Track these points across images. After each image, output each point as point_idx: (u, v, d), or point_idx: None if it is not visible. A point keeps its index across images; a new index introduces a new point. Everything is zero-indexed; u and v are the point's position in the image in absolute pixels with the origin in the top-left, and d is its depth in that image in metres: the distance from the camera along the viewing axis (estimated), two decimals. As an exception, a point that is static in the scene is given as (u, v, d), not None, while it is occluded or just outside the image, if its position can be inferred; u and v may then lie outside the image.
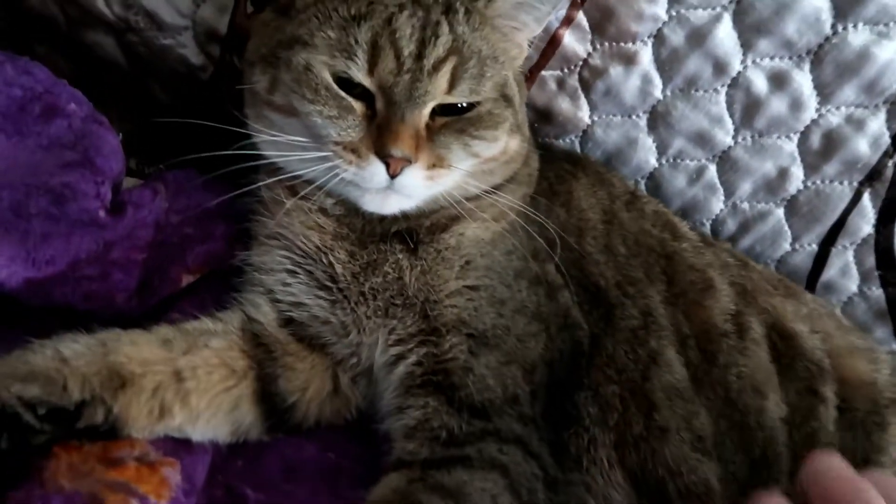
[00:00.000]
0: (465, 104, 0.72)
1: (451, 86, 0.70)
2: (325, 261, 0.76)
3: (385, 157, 0.68)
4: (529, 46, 0.81)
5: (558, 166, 0.90)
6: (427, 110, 0.70)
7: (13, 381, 0.59)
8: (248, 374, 0.73)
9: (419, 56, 0.68)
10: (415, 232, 0.75)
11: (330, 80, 0.69)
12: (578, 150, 0.99)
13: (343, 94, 0.69)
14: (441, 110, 0.71)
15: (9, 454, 0.58)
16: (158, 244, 0.77)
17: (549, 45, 0.92)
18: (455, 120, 0.71)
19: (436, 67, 0.69)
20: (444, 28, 0.70)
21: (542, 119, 0.98)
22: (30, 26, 1.02)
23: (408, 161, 0.68)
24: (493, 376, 0.71)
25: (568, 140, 0.98)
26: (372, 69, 0.68)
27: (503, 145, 0.76)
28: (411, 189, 0.71)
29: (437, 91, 0.69)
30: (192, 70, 0.99)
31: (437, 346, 0.72)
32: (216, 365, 0.71)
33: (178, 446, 0.68)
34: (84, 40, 1.00)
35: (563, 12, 0.89)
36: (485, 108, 0.73)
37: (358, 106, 0.69)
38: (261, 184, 0.78)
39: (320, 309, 0.76)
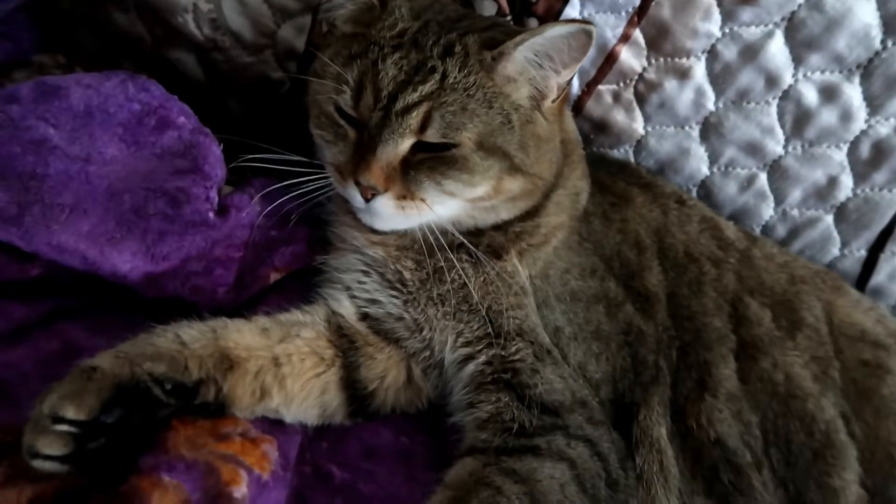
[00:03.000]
0: (444, 143, 0.73)
1: (423, 127, 0.72)
2: (392, 267, 0.81)
3: (357, 184, 0.74)
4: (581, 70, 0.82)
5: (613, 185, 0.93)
6: (403, 146, 0.73)
7: (144, 359, 0.67)
8: (335, 361, 0.80)
9: (394, 97, 0.72)
10: (475, 248, 0.78)
11: (332, 109, 0.76)
12: (632, 159, 1.03)
13: (341, 121, 0.76)
14: (423, 147, 0.74)
15: (138, 424, 0.65)
16: (251, 245, 0.84)
17: (606, 61, 0.97)
18: (430, 157, 0.74)
19: (407, 109, 0.71)
20: (433, 74, 0.72)
21: (598, 130, 1.03)
22: (117, 44, 1.09)
23: (376, 190, 0.73)
24: (559, 381, 0.75)
25: (622, 150, 1.03)
26: (356, 104, 0.74)
27: (489, 188, 0.76)
28: (386, 215, 0.76)
29: (408, 130, 0.72)
30: (271, 85, 1.05)
31: (503, 349, 0.77)
32: (307, 353, 0.78)
33: (274, 427, 0.75)
34: (167, 57, 1.07)
35: (620, 30, 0.95)
36: (460, 152, 0.74)
37: (352, 133, 0.75)
38: (312, 181, 0.80)
39: (393, 307, 0.82)
